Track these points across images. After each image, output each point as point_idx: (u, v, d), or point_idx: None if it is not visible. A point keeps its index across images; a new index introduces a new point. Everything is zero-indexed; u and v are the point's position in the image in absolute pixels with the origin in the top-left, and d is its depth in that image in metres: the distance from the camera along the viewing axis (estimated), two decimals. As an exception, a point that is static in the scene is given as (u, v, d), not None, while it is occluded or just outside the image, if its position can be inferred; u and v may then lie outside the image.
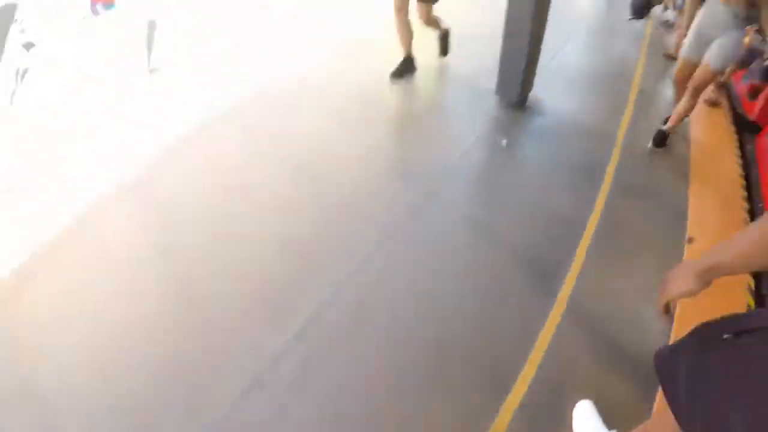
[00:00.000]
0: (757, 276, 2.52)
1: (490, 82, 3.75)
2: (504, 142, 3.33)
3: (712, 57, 3.08)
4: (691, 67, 3.25)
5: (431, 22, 4.13)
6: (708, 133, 4.19)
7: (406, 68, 4.19)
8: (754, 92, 4.57)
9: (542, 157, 3.33)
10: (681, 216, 2.98)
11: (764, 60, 4.45)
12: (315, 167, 3.08)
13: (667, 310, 0.92)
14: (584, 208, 2.81)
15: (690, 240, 2.55)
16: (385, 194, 2.79)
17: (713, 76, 3.18)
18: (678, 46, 3.16)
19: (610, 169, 3.25)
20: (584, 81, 4.59)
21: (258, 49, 4.66)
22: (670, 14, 6.63)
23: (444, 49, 4.49)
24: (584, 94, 4.30)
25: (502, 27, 3.50)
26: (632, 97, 4.26)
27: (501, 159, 3.24)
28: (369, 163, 3.09)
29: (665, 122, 3.57)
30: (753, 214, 3.41)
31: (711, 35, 3.07)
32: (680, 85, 3.39)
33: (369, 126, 3.53)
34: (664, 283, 0.91)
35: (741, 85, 4.84)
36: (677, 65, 3.38)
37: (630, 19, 6.07)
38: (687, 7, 4.44)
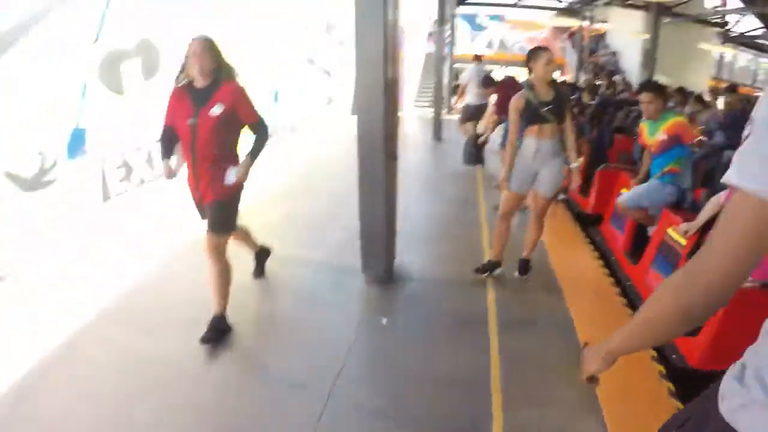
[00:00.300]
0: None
1: (355, 261, 3.76)
2: (384, 321, 3.28)
3: (543, 188, 3.48)
4: (518, 200, 3.59)
5: (246, 241, 3.55)
6: (561, 241, 4.67)
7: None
8: (584, 189, 5.32)
9: (424, 323, 3.29)
10: (570, 327, 3.10)
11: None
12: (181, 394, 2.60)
13: (591, 380, 1.08)
14: (481, 361, 2.78)
15: (585, 344, 2.56)
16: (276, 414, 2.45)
17: (549, 202, 3.60)
18: (503, 183, 3.52)
19: (491, 312, 3.34)
20: (440, 232, 4.97)
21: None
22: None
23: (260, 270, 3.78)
24: (443, 245, 4.57)
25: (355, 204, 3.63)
26: (484, 235, 4.64)
27: (385, 339, 3.14)
28: (246, 386, 2.72)
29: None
30: (627, 296, 3.67)
31: (534, 168, 3.43)
32: (506, 218, 3.63)
33: (237, 338, 3.14)
34: (581, 362, 1.09)
35: (570, 190, 5.62)
36: (504, 200, 3.64)
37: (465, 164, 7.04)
38: (507, 147, 5.25)
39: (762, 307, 2.49)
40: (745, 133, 0.74)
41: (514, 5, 14.57)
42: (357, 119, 3.44)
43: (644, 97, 3.83)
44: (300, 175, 7.00)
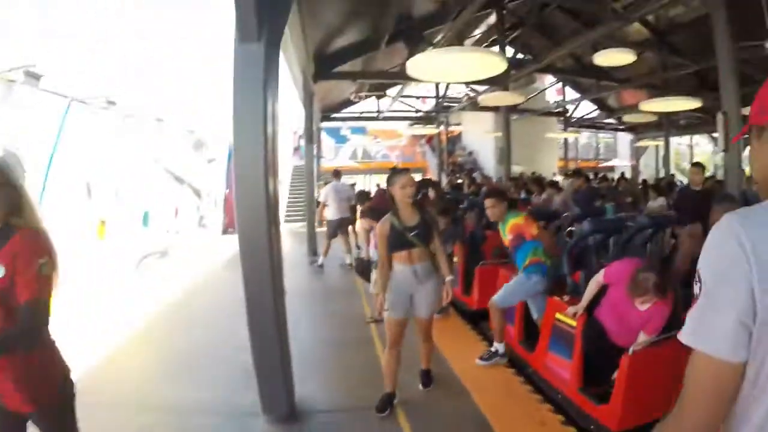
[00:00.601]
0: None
1: (253, 400, 3.38)
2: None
3: (420, 311, 3.43)
4: (400, 326, 3.40)
5: None
6: (455, 342, 4.72)
7: None
8: (466, 287, 5.52)
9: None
10: (487, 426, 3.04)
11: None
12: None
13: None
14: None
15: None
16: None
17: (430, 322, 3.57)
18: (379, 309, 3.41)
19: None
20: (335, 356, 4.64)
21: None
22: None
23: None
24: (341, 371, 4.27)
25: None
26: (380, 351, 4.45)
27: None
28: None
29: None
30: (532, 382, 3.77)
31: (408, 292, 3.37)
32: (392, 347, 3.43)
33: None
34: None
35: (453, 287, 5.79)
36: (388, 327, 3.47)
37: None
38: (378, 272, 5.27)
39: (660, 360, 2.78)
40: (695, 291, 0.79)
41: (376, 118, 15.72)
42: (239, 240, 3.26)
43: (487, 202, 4.18)
44: (176, 304, 6.48)
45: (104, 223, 7.26)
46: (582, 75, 12.80)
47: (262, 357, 3.27)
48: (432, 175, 21.29)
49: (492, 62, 5.19)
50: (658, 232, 4.63)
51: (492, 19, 9.65)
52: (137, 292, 7.01)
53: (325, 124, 17.34)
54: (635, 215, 7.44)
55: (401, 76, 10.82)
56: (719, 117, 4.85)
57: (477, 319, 5.29)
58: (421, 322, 3.52)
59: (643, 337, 3.07)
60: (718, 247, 0.78)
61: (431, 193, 9.25)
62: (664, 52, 9.76)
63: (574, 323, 3.47)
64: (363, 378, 3.96)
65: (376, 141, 24.16)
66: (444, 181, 16.65)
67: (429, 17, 8.99)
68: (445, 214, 5.45)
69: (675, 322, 3.13)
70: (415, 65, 5.10)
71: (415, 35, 9.00)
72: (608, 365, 3.16)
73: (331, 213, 8.27)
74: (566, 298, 3.83)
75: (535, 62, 10.77)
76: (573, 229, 4.69)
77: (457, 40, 8.64)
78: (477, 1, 6.23)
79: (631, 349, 2.95)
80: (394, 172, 3.50)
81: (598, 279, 3.40)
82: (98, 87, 7.25)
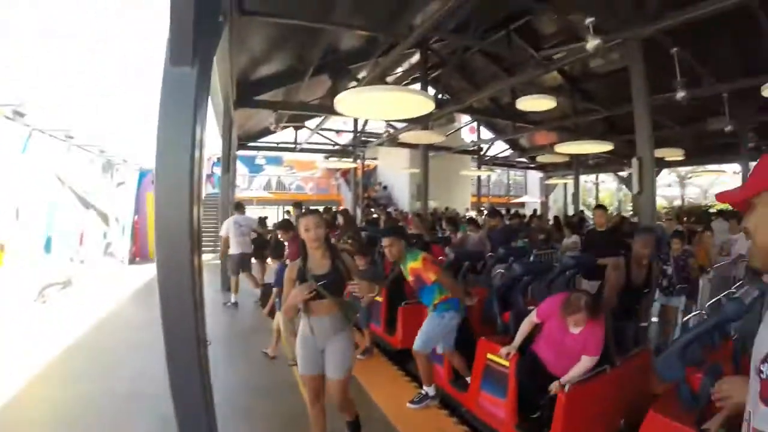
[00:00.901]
0: None
1: None
2: None
3: (330, 371, 3.03)
4: (315, 382, 3.10)
5: None
6: (382, 385, 4.64)
7: None
8: (389, 327, 5.48)
9: None
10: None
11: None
12: None
13: None
14: None
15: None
16: None
17: (342, 383, 3.04)
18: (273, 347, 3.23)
19: None
20: (261, 403, 4.34)
21: None
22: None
23: None
24: (266, 420, 4.04)
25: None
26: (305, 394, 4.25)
27: None
28: None
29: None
30: (466, 422, 3.76)
31: (318, 347, 3.05)
32: (313, 404, 3.18)
33: None
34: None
35: (375, 327, 5.75)
36: (302, 384, 3.34)
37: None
38: (283, 320, 5.11)
39: (593, 394, 2.92)
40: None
41: (293, 149, 15.58)
42: (158, 278, 3.00)
43: (385, 241, 4.07)
44: (82, 343, 5.91)
45: (2, 248, 6.50)
46: (500, 116, 13.58)
47: (185, 408, 2.99)
48: (347, 208, 21.41)
49: (421, 102, 5.34)
50: (580, 271, 4.91)
51: (415, 57, 10.05)
52: (37, 328, 6.37)
53: (240, 152, 16.97)
54: (550, 252, 8.03)
55: (325, 109, 10.90)
56: (634, 161, 5.32)
57: (403, 358, 5.24)
58: (331, 385, 3.05)
59: (586, 361, 3.21)
60: None
61: (340, 219, 9.29)
62: (577, 98, 10.64)
63: (506, 363, 3.55)
64: (290, 427, 3.78)
65: (291, 172, 23.96)
66: (359, 215, 16.75)
67: (355, 52, 9.17)
68: (364, 255, 5.45)
69: (605, 357, 3.35)
70: (344, 101, 5.12)
71: (341, 69, 9.13)
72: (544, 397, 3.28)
73: (232, 248, 8.04)
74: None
75: (455, 102, 11.31)
76: (502, 270, 4.83)
77: (380, 76, 8.89)
78: (408, 41, 6.42)
79: (566, 386, 3.06)
80: (299, 214, 3.28)
81: (531, 319, 3.56)
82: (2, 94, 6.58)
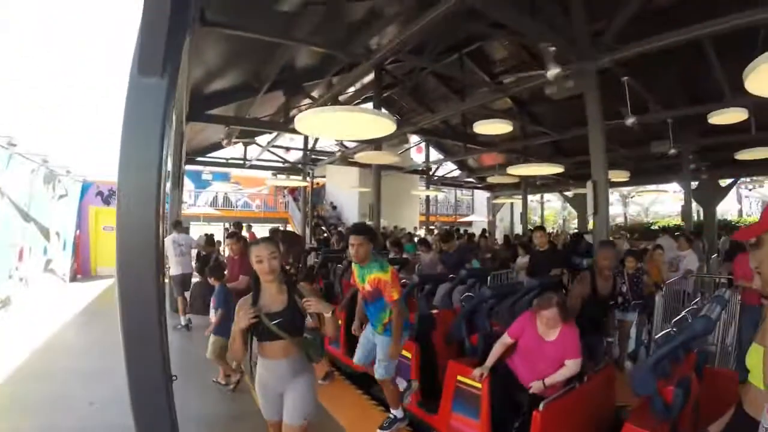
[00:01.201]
0: None
1: None
2: None
3: (288, 417, 2.74)
4: (277, 427, 2.84)
5: None
6: (348, 412, 4.53)
7: None
8: (349, 349, 5.36)
9: None
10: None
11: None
12: None
13: None
14: None
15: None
16: None
17: (303, 429, 2.77)
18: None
19: None
20: None
21: None
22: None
23: None
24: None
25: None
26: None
27: None
28: None
29: None
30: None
31: (277, 390, 2.77)
32: None
33: None
34: None
35: (333, 350, 5.63)
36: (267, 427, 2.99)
37: None
38: (211, 342, 4.98)
39: (567, 411, 3.00)
40: None
41: (242, 165, 15.25)
42: (119, 302, 2.79)
43: (354, 239, 3.69)
44: (22, 369, 5.46)
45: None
46: (451, 138, 13.86)
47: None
48: (296, 228, 21.11)
49: (382, 124, 5.39)
50: (543, 292, 5.02)
51: (368, 77, 10.13)
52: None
53: (187, 167, 16.49)
54: (506, 273, 8.19)
55: (277, 126, 10.75)
56: (589, 184, 5.54)
57: (365, 380, 5.13)
58: (288, 429, 2.75)
59: (571, 364, 3.33)
60: None
61: (281, 247, 9.03)
62: (526, 121, 11.02)
63: (479, 385, 3.55)
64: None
65: (238, 188, 23.42)
66: (308, 234, 16.57)
67: (310, 70, 9.15)
68: (310, 282, 5.34)
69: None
70: (304, 120, 5.09)
71: (295, 86, 9.09)
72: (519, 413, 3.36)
73: (172, 268, 7.73)
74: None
75: (405, 122, 11.45)
76: (471, 294, 4.87)
77: (335, 96, 8.92)
78: (368, 63, 6.47)
79: (541, 405, 3.08)
80: (249, 243, 2.87)
81: (504, 341, 3.63)
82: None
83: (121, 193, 2.91)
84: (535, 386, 3.34)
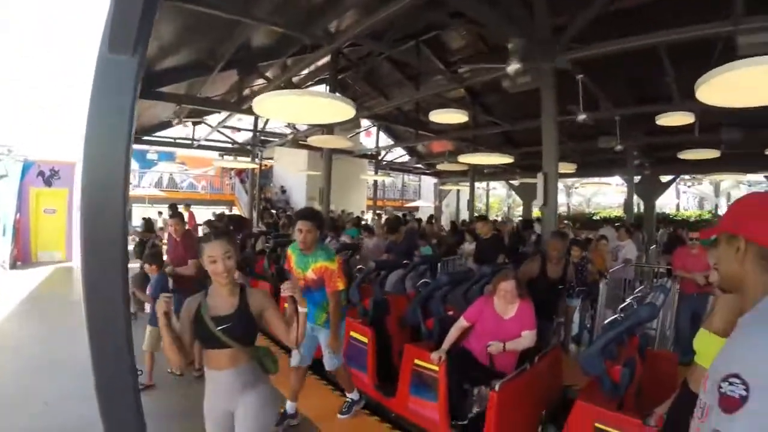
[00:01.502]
0: None
1: None
2: None
3: None
4: None
5: None
6: (316, 406, 4.41)
7: None
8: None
9: None
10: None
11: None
12: None
13: None
14: None
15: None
16: None
17: None
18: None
19: None
20: None
21: None
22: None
23: None
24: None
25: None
26: None
27: None
28: None
29: None
30: (399, 426, 3.88)
31: (226, 408, 2.39)
32: None
33: None
34: None
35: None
36: None
37: None
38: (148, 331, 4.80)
39: (521, 390, 3.31)
40: (738, 392, 0.85)
41: (191, 145, 14.76)
42: (84, 292, 2.69)
43: (302, 225, 3.54)
44: None
45: None
46: (403, 124, 13.95)
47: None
48: (242, 210, 20.68)
49: (341, 108, 5.40)
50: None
51: (323, 60, 10.03)
52: None
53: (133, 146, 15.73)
54: (455, 259, 8.43)
55: (230, 106, 10.49)
56: (540, 176, 5.79)
57: (316, 364, 5.11)
58: None
59: (528, 335, 3.63)
60: None
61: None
62: (478, 111, 11.26)
63: (436, 368, 3.69)
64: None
65: (184, 169, 22.67)
66: (255, 217, 16.28)
67: (266, 50, 8.96)
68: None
69: (527, 355, 3.70)
70: (263, 103, 5.03)
71: (251, 66, 8.89)
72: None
73: None
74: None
75: (360, 107, 11.44)
76: (428, 280, 5.00)
77: (288, 77, 8.82)
78: (329, 47, 6.43)
79: (497, 386, 3.26)
80: (200, 240, 2.55)
81: (460, 325, 3.83)
82: None
83: (87, 173, 2.82)
84: (494, 346, 3.57)
